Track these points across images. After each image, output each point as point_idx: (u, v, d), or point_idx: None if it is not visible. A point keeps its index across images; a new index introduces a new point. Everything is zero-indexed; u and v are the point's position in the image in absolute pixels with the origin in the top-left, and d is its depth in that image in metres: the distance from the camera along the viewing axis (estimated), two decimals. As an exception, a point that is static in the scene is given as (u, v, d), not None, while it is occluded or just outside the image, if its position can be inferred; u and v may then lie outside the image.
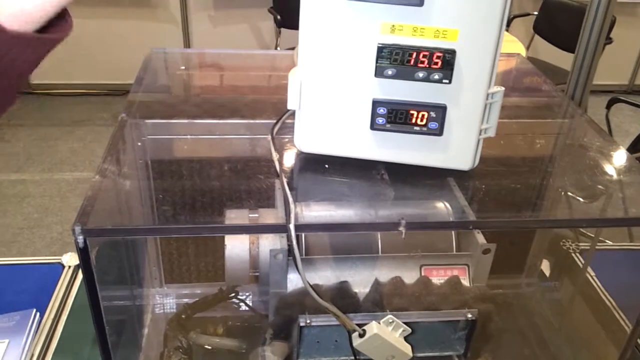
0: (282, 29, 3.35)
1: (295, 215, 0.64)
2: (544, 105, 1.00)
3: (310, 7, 0.67)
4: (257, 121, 0.88)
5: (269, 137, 0.81)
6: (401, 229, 0.65)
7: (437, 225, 0.72)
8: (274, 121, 0.85)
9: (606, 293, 1.11)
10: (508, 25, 3.62)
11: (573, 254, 1.17)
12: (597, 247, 1.25)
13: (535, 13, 3.46)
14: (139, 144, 0.86)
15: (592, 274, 1.17)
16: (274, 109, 0.87)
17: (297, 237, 0.66)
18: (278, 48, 3.48)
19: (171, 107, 0.95)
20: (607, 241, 1.31)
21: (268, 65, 1.22)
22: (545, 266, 1.18)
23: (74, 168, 2.91)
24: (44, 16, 0.50)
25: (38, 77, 3.67)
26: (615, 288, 1.12)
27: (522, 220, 0.71)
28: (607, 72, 3.80)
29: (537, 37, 3.46)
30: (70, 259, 1.14)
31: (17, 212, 2.60)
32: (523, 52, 2.66)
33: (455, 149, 0.71)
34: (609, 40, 3.05)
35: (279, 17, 3.27)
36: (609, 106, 2.44)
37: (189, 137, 0.88)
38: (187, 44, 3.63)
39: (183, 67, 1.32)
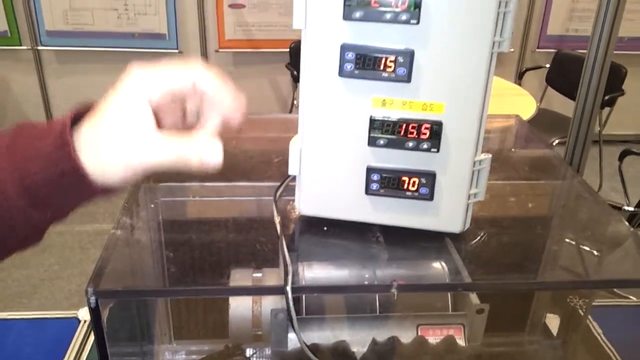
0: (299, 84, 3.46)
1: (293, 277, 0.68)
2: (540, 166, 1.04)
3: (309, 82, 0.73)
4: (264, 184, 0.93)
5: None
6: (393, 291, 0.68)
7: (428, 287, 0.75)
8: (279, 183, 0.89)
9: (614, 351, 1.11)
10: (520, 78, 3.69)
11: (580, 310, 1.17)
12: (606, 304, 1.25)
13: (547, 66, 3.52)
14: (152, 205, 0.91)
15: (599, 330, 1.17)
16: (279, 172, 0.92)
17: (298, 296, 0.70)
18: (295, 101, 3.59)
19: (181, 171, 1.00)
20: (631, 297, 1.30)
21: (280, 128, 1.28)
22: (555, 323, 1.18)
23: (94, 220, 2.98)
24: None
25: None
26: (623, 346, 1.12)
27: (511, 282, 0.74)
28: (623, 122, 3.82)
29: (550, 89, 3.52)
30: (86, 314, 1.18)
31: (39, 263, 2.67)
32: (534, 105, 2.71)
33: (446, 213, 0.74)
34: (620, 92, 3.09)
35: (295, 72, 3.38)
36: (621, 158, 2.46)
37: (197, 198, 0.93)
38: (208, 98, 3.76)
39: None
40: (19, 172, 0.47)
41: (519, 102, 2.76)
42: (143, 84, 0.47)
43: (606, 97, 3.02)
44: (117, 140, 0.47)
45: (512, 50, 3.76)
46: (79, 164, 0.46)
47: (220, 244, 0.83)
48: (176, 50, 3.61)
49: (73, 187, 0.48)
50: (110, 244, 0.74)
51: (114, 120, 0.47)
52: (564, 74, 3.40)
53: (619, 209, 2.05)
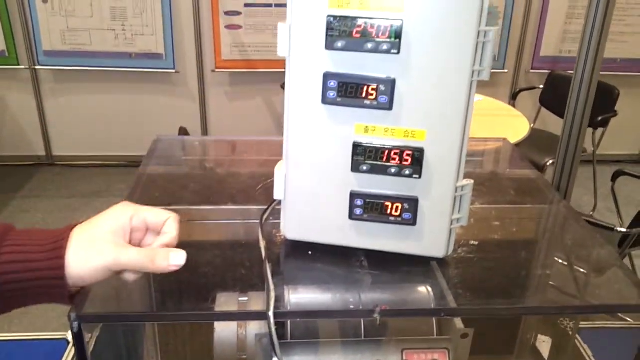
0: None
1: (277, 301, 0.68)
2: (525, 190, 1.05)
3: (293, 109, 0.74)
4: (251, 207, 0.94)
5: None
6: (376, 316, 0.68)
7: (411, 312, 0.75)
8: (266, 207, 0.90)
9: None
10: (514, 98, 3.72)
11: (570, 332, 1.17)
12: (595, 326, 1.25)
13: (541, 87, 3.55)
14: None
15: (589, 353, 1.16)
16: (267, 195, 0.92)
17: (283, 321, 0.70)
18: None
19: (171, 195, 1.01)
20: (628, 319, 1.30)
21: (270, 151, 1.29)
22: (546, 346, 1.18)
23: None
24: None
25: (59, 149, 3.82)
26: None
27: (495, 308, 0.74)
28: (618, 142, 3.85)
29: (543, 109, 3.54)
30: (75, 336, 1.17)
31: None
32: (527, 126, 2.72)
33: (429, 237, 0.75)
34: (614, 113, 3.11)
35: (291, 92, 3.40)
36: (614, 179, 2.47)
37: (184, 221, 0.93)
38: (204, 117, 3.78)
39: (196, 142, 1.40)
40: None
41: (512, 123, 2.78)
42: (131, 210, 0.63)
43: (599, 118, 3.04)
44: (101, 240, 0.59)
45: (506, 71, 3.79)
46: (63, 263, 0.56)
47: (207, 268, 0.84)
48: (173, 70, 3.63)
49: (46, 292, 0.58)
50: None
51: (103, 225, 0.60)
52: (557, 94, 3.43)
53: (612, 229, 2.05)
